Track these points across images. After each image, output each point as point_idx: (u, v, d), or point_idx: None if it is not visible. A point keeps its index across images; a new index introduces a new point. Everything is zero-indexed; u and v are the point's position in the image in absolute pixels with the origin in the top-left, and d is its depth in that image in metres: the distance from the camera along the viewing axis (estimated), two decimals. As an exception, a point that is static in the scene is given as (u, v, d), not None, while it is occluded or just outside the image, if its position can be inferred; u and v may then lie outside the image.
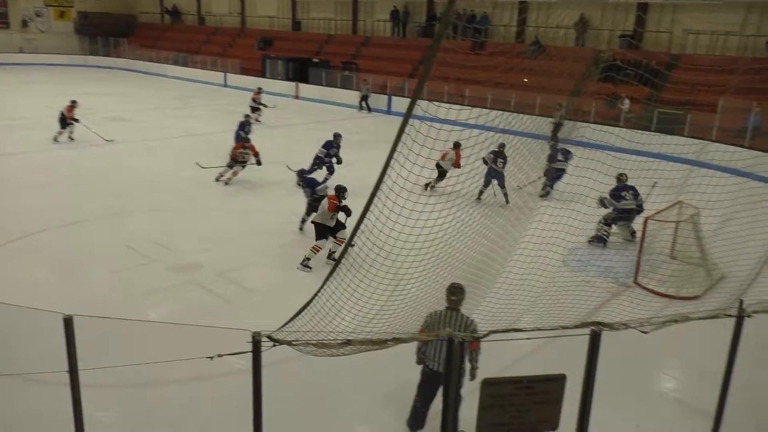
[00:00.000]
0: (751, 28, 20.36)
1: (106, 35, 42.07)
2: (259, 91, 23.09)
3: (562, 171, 12.72)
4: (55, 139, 17.33)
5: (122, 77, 36.35)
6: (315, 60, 30.61)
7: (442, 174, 12.64)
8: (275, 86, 30.22)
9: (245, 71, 32.69)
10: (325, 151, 13.78)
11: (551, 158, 12.73)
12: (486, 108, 18.80)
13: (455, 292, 4.78)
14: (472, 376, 4.79)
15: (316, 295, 3.68)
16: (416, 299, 4.95)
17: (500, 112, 13.73)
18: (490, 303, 5.24)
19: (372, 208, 3.25)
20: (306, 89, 29.08)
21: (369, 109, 25.89)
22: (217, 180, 13.60)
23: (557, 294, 6.01)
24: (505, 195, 11.84)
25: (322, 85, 28.82)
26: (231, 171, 13.68)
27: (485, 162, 12.51)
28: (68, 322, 3.48)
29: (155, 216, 11.38)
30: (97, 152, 16.38)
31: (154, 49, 39.56)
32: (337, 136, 13.99)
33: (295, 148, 17.73)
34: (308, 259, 9.08)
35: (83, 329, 3.66)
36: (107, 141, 17.83)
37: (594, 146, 7.33)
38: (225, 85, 33.00)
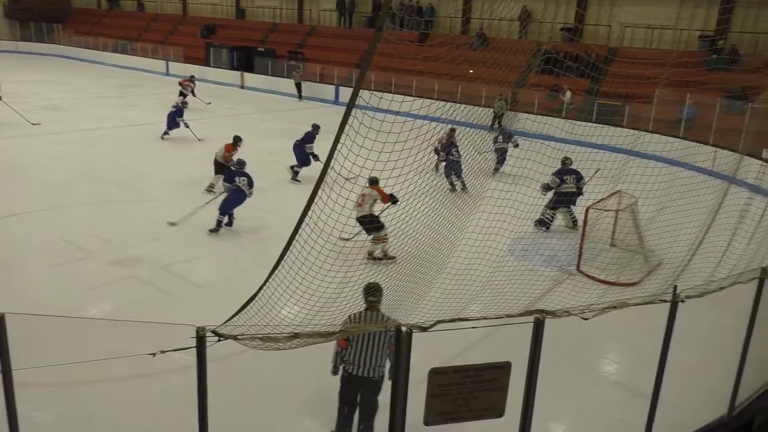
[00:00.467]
0: (683, 23, 21.15)
1: (39, 20, 40.13)
2: (191, 79, 22.42)
3: (505, 151, 13.66)
4: None
5: (57, 64, 34.83)
6: (260, 49, 30.10)
7: (369, 223, 8.82)
8: (220, 75, 29.58)
9: (188, 59, 31.85)
10: (311, 144, 13.47)
11: (495, 140, 14.01)
12: (432, 99, 18.93)
13: (373, 293, 4.68)
14: (391, 375, 4.26)
15: (261, 287, 3.62)
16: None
17: (445, 102, 13.91)
18: (437, 293, 5.29)
19: (317, 198, 3.21)
20: (251, 78, 28.58)
21: (300, 97, 26.01)
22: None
23: (503, 283, 6.12)
24: (463, 183, 11.83)
25: (267, 74, 28.39)
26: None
27: (436, 153, 12.76)
28: (0, 320, 3.31)
29: (94, 208, 10.99)
30: (30, 143, 15.68)
31: (91, 36, 38.02)
32: (315, 127, 13.73)
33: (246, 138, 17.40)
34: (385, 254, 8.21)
35: (18, 327, 3.49)
36: (33, 125, 17.13)
37: (536, 137, 7.48)
38: (167, 74, 32.09)
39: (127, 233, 9.77)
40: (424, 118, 4.60)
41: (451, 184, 12.29)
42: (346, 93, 25.00)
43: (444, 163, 12.92)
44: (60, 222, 10.14)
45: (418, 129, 4.36)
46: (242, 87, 28.60)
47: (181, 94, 20.92)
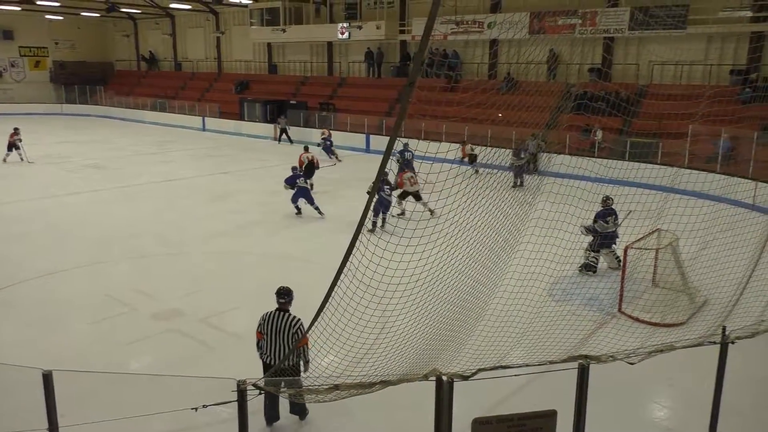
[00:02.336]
0: (712, 58, 21.03)
1: (83, 83, 42.08)
2: (16, 131, 21.76)
3: (523, 166, 16.28)
4: (4, 160, 21.57)
5: (99, 124, 36.23)
6: (292, 102, 30.86)
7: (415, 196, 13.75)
8: (254, 129, 30.34)
9: (223, 115, 32.84)
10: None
11: (516, 153, 16.88)
12: (462, 143, 19.02)
13: (282, 295, 5.98)
14: (305, 369, 5.62)
15: (301, 339, 3.62)
16: (404, 339, 4.90)
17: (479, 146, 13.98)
18: (477, 340, 5.21)
19: (357, 244, 3.23)
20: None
21: (291, 142, 27.91)
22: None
23: (544, 327, 6.00)
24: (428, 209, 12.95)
25: (300, 125, 29.00)
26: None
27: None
28: (47, 378, 3.38)
29: (135, 263, 11.22)
30: (72, 201, 16.21)
31: (131, 96, 39.63)
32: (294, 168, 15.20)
33: (278, 188, 17.71)
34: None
35: (63, 384, 3.56)
36: (30, 162, 19.35)
37: (571, 177, 7.43)
38: (203, 129, 33.07)
39: (166, 286, 9.93)
40: (460, 163, 4.62)
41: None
42: (376, 141, 25.33)
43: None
44: (101, 277, 10.37)
45: (447, 172, 4.38)
46: (275, 139, 29.22)
47: None
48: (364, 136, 26.19)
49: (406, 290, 4.70)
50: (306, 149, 18.01)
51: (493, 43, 26.03)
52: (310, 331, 3.67)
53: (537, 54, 23.67)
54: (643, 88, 21.28)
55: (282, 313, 5.93)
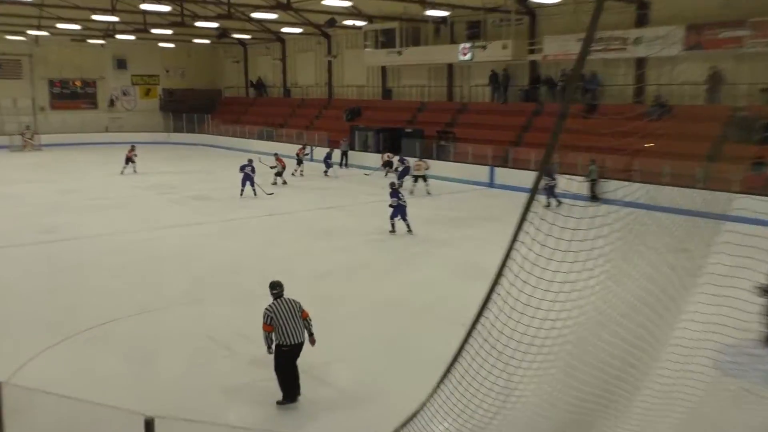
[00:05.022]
0: None
1: (190, 111, 45.32)
2: (133, 147, 29.24)
3: (553, 187, 18.77)
4: (121, 173, 27.94)
5: (204, 154, 38.60)
6: (408, 130, 31.33)
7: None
8: (365, 159, 30.99)
9: (333, 143, 33.84)
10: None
11: (547, 172, 17.87)
12: (605, 179, 18.33)
13: (276, 287, 7.87)
14: (312, 342, 7.87)
15: (422, 406, 3.50)
16: (534, 409, 4.64)
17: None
18: (634, 421, 4.82)
19: (493, 298, 3.09)
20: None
21: (347, 166, 30.55)
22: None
23: (715, 408, 5.46)
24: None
25: (415, 156, 29.28)
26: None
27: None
28: (149, 425, 3.49)
29: (236, 303, 11.64)
30: (176, 234, 17.22)
31: (238, 124, 42.04)
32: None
33: (385, 226, 17.87)
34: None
35: (161, 429, 3.65)
36: (268, 194, 22.72)
37: (741, 221, 6.84)
38: (311, 159, 34.19)
39: (268, 330, 10.17)
40: (613, 202, 4.37)
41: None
42: (502, 174, 24.97)
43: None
44: (201, 317, 10.83)
45: (600, 216, 4.14)
46: (383, 167, 29.64)
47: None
48: (487, 168, 25.95)
49: (539, 353, 4.46)
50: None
51: (640, 61, 25.11)
52: (434, 394, 3.54)
53: (693, 73, 22.53)
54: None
55: (283, 299, 7.78)
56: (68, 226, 17.70)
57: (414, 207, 20.91)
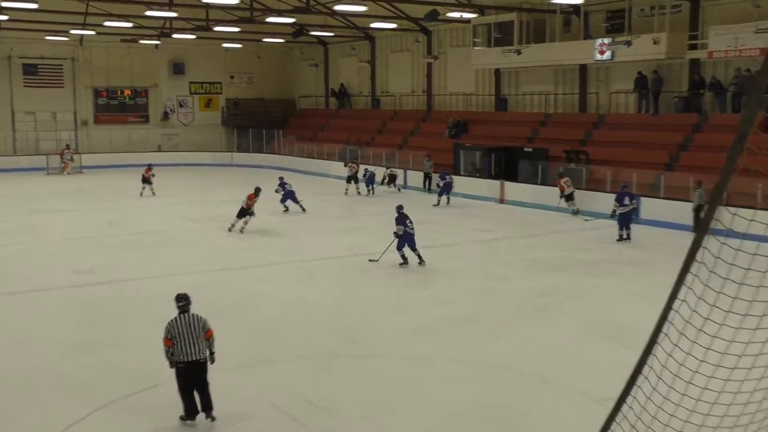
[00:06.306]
0: None
1: (259, 126, 46.78)
2: (150, 167, 32.28)
3: (631, 212, 21.33)
4: (141, 194, 31.29)
5: (275, 178, 39.23)
6: (527, 149, 31.13)
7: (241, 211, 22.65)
8: (471, 186, 30.95)
9: (431, 167, 33.95)
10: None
11: (619, 199, 21.12)
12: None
13: (181, 299, 9.34)
14: (212, 361, 9.37)
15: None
16: None
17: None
18: None
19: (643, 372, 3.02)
20: (515, 190, 29.37)
21: (429, 189, 32.28)
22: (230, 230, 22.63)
23: None
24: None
25: (536, 183, 28.99)
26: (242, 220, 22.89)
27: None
28: None
29: (309, 364, 11.79)
30: (239, 277, 17.68)
31: (314, 141, 43.01)
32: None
33: (503, 270, 17.75)
34: None
35: None
36: (303, 210, 26.56)
37: None
38: (405, 186, 34.45)
39: (346, 400, 10.23)
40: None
41: None
42: (651, 206, 24.28)
43: None
44: (266, 381, 11.03)
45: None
46: (501, 201, 29.49)
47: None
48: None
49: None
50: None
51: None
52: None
53: None
54: None
55: (186, 314, 9.26)
56: (107, 266, 18.48)
57: (538, 248, 20.71)
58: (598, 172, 27.39)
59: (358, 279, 17.45)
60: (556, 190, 26.60)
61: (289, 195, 27.23)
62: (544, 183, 28.71)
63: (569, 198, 26.14)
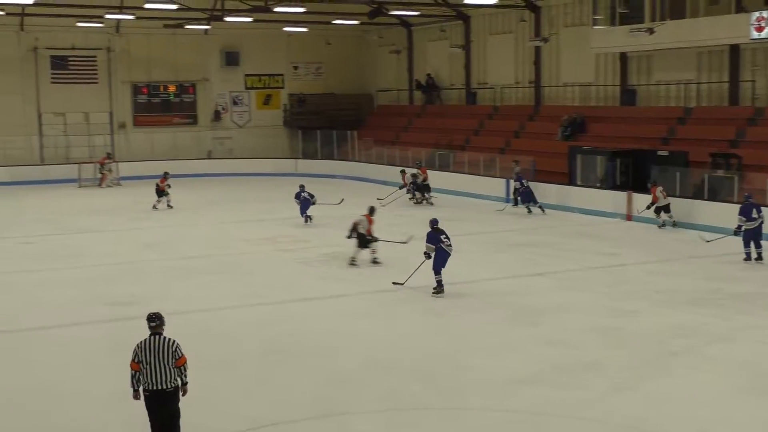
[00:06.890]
0: None
1: (328, 127, 47.00)
2: (165, 176, 33.68)
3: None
4: (154, 207, 33.04)
5: (348, 190, 39.05)
6: (662, 152, 30.62)
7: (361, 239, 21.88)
8: (591, 200, 30.61)
9: (540, 174, 33.68)
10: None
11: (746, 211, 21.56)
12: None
13: (154, 319, 9.82)
14: (183, 392, 9.88)
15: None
16: None
17: None
18: None
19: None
20: (646, 204, 28.89)
21: (516, 203, 32.44)
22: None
23: None
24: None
25: (674, 195, 28.48)
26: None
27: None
28: None
29: (389, 418, 11.82)
30: (305, 310, 17.80)
31: (396, 145, 43.04)
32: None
33: (633, 305, 17.49)
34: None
35: None
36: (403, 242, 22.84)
37: None
38: (507, 200, 34.19)
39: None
40: None
41: None
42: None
43: None
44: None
45: None
46: (629, 218, 29.05)
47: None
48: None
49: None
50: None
51: None
52: None
53: None
54: None
55: (157, 337, 9.76)
56: (149, 296, 18.58)
57: (675, 276, 20.34)
58: (755, 180, 26.55)
59: (448, 314, 17.39)
60: (698, 204, 26.20)
61: (303, 205, 29.18)
62: (684, 195, 28.15)
63: (665, 210, 27.08)
